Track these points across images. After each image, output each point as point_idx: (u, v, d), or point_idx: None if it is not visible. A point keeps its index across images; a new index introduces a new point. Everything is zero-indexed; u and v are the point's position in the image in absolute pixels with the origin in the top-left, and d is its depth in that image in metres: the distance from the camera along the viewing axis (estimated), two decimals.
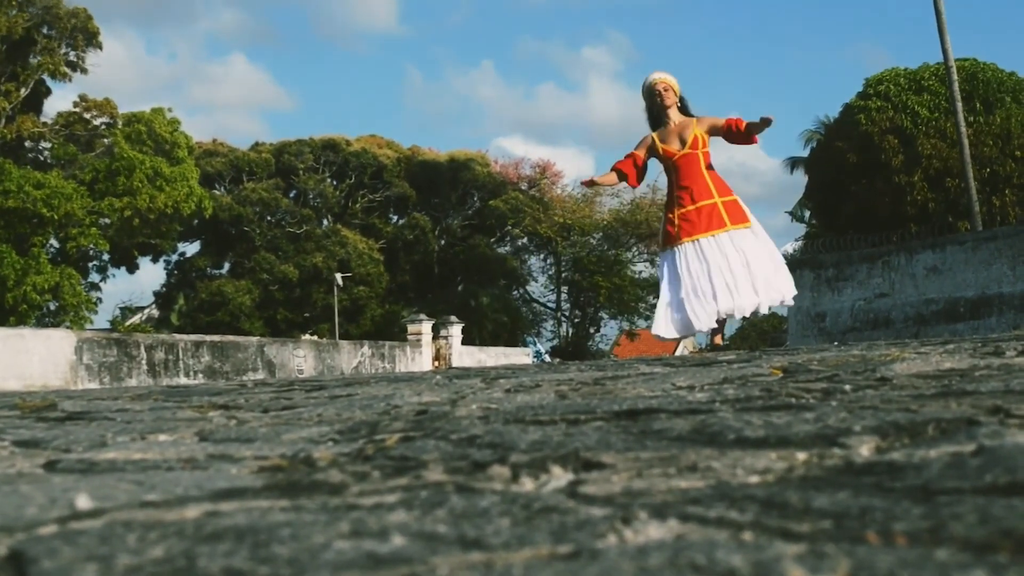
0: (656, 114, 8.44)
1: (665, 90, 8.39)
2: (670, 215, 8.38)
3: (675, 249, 8.25)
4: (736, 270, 8.05)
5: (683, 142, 8.28)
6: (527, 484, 1.55)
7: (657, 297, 8.62)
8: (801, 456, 1.65)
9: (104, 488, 1.59)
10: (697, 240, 8.14)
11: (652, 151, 8.42)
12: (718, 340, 8.33)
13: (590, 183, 8.71)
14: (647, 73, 8.56)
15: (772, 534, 1.13)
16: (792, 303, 8.40)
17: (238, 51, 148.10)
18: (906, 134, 28.68)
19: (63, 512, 1.39)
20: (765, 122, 8.25)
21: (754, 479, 1.49)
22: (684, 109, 8.45)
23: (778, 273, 8.21)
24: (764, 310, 8.27)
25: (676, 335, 8.33)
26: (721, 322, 8.26)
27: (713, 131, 8.40)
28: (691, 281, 8.12)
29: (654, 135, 8.39)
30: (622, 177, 8.56)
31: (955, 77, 24.68)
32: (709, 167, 8.34)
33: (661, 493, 1.41)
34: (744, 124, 8.32)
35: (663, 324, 8.29)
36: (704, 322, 8.12)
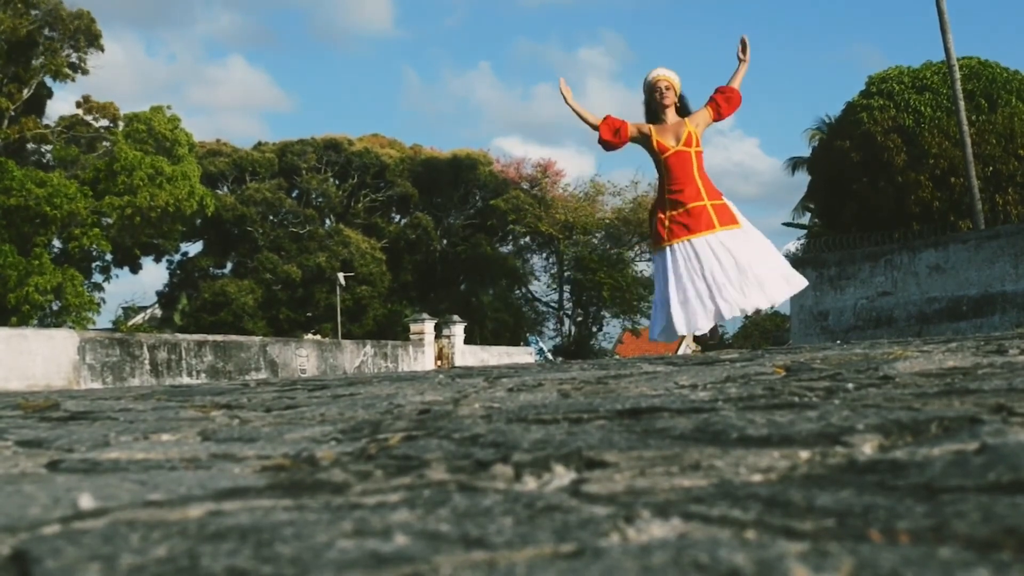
0: (654, 110, 8.45)
1: (667, 88, 8.40)
2: (661, 215, 8.37)
3: (667, 250, 8.26)
4: (728, 271, 8.06)
5: (677, 139, 8.29)
6: (530, 483, 1.55)
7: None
8: (804, 455, 1.65)
9: (107, 488, 1.59)
10: (688, 241, 8.15)
11: (645, 140, 8.40)
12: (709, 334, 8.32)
13: (566, 91, 8.56)
14: (646, 72, 8.56)
15: (775, 533, 1.13)
16: (799, 290, 8.36)
17: (237, 53, 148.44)
18: (909, 133, 28.67)
19: (66, 512, 1.39)
20: (743, 45, 8.48)
21: (757, 478, 1.49)
22: (683, 109, 8.45)
23: (774, 271, 8.20)
24: (764, 307, 8.26)
25: (676, 337, 8.33)
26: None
27: (706, 122, 8.43)
28: (686, 283, 8.12)
29: (652, 127, 8.38)
30: (598, 128, 8.46)
31: (957, 75, 24.69)
32: (701, 168, 8.35)
33: (664, 492, 1.41)
34: (726, 91, 8.39)
35: (662, 326, 8.30)
36: (704, 323, 8.12)
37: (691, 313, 8.10)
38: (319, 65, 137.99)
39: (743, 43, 8.52)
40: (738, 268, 8.06)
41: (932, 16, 27.23)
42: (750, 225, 8.41)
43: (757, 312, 8.59)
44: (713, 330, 8.34)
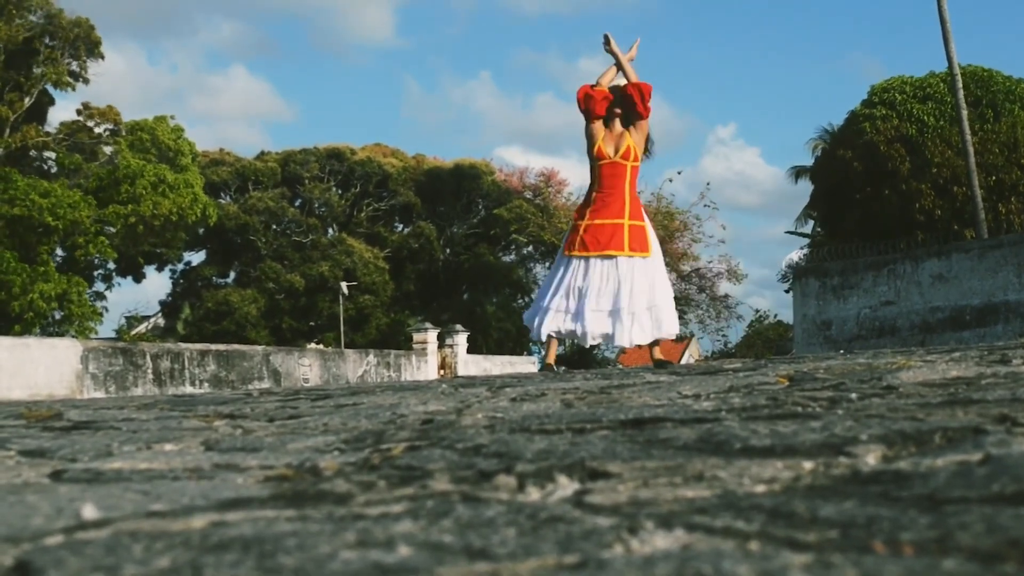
0: (605, 118, 8.47)
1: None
2: (578, 222, 8.42)
3: (572, 259, 8.31)
4: (605, 299, 8.15)
5: (616, 150, 8.34)
6: (533, 494, 1.55)
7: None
8: (807, 465, 1.65)
9: (110, 498, 1.59)
10: (590, 258, 8.21)
11: (591, 138, 8.46)
12: (658, 353, 8.35)
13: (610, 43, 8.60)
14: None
15: (779, 544, 1.13)
16: (670, 337, 8.42)
17: (238, 62, 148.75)
18: (912, 142, 28.69)
19: (69, 522, 1.39)
20: (606, 40, 8.53)
21: (760, 488, 1.49)
22: (626, 119, 8.46)
23: (653, 310, 8.23)
24: (625, 343, 8.28)
25: (546, 335, 8.35)
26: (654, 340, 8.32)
27: (643, 130, 8.46)
28: (564, 294, 8.24)
29: (604, 130, 8.42)
30: (591, 96, 8.50)
31: (960, 85, 24.69)
32: (633, 183, 8.40)
33: (667, 502, 1.41)
34: (634, 89, 8.40)
35: (538, 322, 8.38)
36: (572, 333, 8.26)
37: (566, 321, 8.22)
38: (320, 74, 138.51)
39: (606, 38, 8.54)
40: (627, 299, 8.13)
41: (932, 25, 27.24)
42: (658, 256, 8.47)
43: (614, 345, 8.72)
44: (655, 350, 8.39)
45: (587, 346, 8.37)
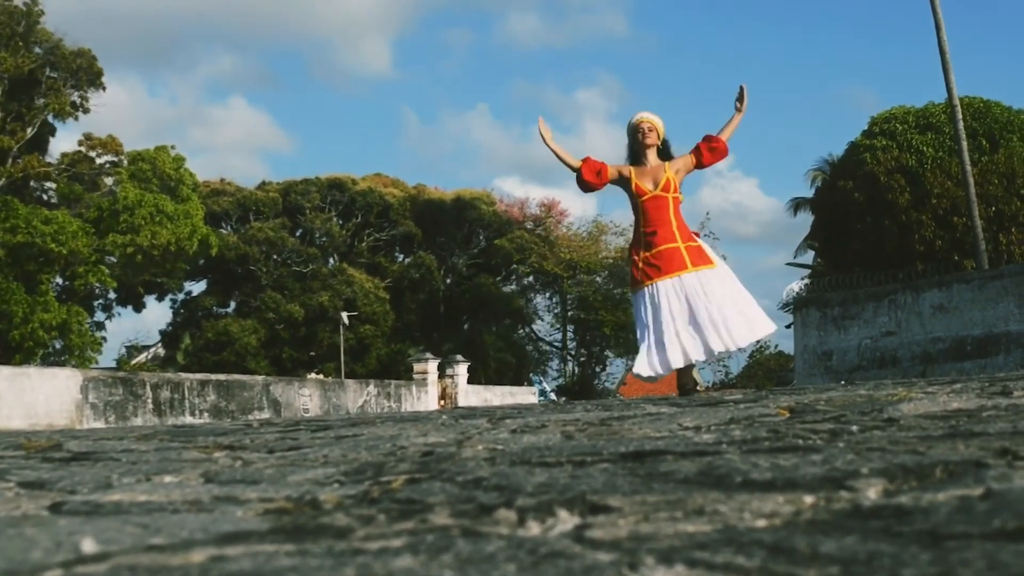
0: (635, 152, 8.47)
1: (649, 130, 8.43)
2: (635, 257, 8.41)
3: (643, 291, 8.30)
4: (697, 313, 8.12)
5: (655, 184, 8.33)
6: (533, 528, 1.55)
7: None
8: (808, 499, 1.64)
9: (109, 531, 1.59)
10: (660, 283, 8.20)
11: (624, 182, 8.43)
12: (696, 375, 8.34)
13: (545, 132, 8.55)
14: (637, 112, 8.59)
15: None
16: (766, 336, 8.39)
17: (238, 94, 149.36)
18: (912, 173, 28.75)
19: (68, 556, 1.38)
20: (741, 94, 8.43)
21: (761, 523, 1.48)
22: (665, 152, 8.47)
23: (741, 315, 8.22)
24: (723, 350, 8.26)
25: (656, 375, 8.31)
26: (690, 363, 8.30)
27: (687, 169, 8.47)
28: (659, 324, 8.18)
29: (633, 169, 8.42)
30: (579, 170, 8.47)
31: (960, 115, 24.76)
32: (677, 212, 8.40)
33: (668, 537, 1.40)
34: (713, 140, 8.38)
35: (644, 364, 8.32)
36: (675, 361, 8.17)
37: (663, 354, 8.15)
38: (319, 106, 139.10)
39: (741, 92, 8.52)
40: (706, 310, 8.10)
41: (930, 56, 27.35)
42: (724, 266, 8.45)
43: (719, 355, 8.62)
44: (687, 374, 8.35)
45: (690, 364, 8.26)
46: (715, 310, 8.10)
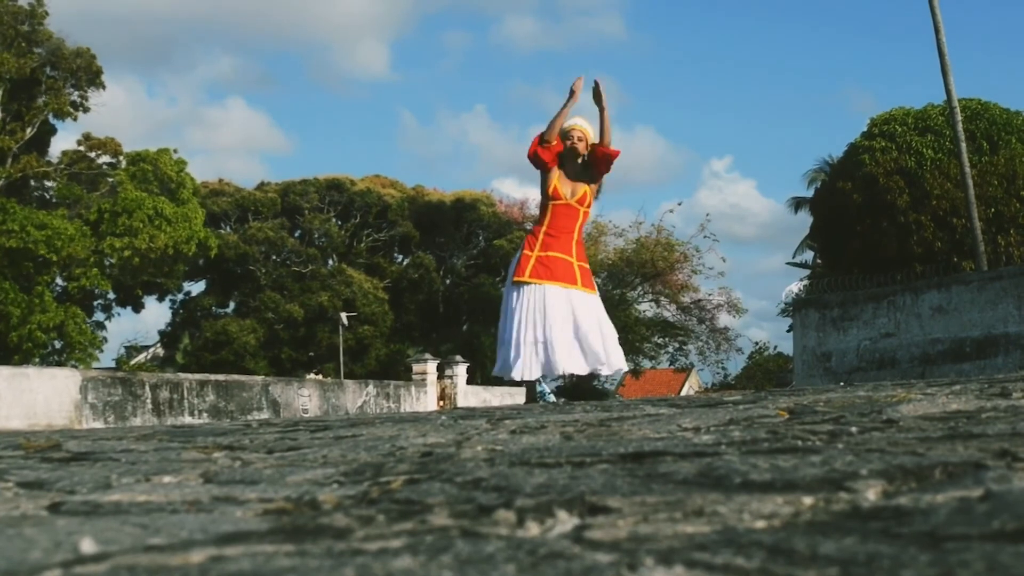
0: (562, 155, 8.44)
1: (579, 139, 8.41)
2: (528, 252, 8.38)
3: (530, 286, 8.28)
4: (566, 330, 8.20)
5: (572, 193, 8.37)
6: (533, 529, 1.55)
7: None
8: (808, 501, 1.64)
9: (109, 531, 1.59)
10: (551, 287, 8.22)
11: (547, 177, 8.42)
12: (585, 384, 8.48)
13: (601, 90, 8.38)
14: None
15: None
16: (619, 370, 8.56)
17: (237, 95, 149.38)
18: (911, 174, 28.74)
19: (67, 556, 1.38)
20: (597, 90, 8.35)
21: (760, 524, 1.48)
22: (590, 159, 8.46)
23: (602, 346, 8.28)
24: (582, 373, 8.32)
25: (510, 375, 8.25)
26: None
27: (599, 178, 8.51)
28: (528, 327, 8.19)
29: (560, 171, 8.41)
30: (550, 144, 8.40)
31: (959, 117, 24.75)
32: (581, 228, 8.53)
33: (667, 538, 1.40)
34: (599, 149, 8.36)
35: (503, 364, 8.30)
36: (533, 373, 8.20)
37: (527, 358, 8.16)
38: (318, 107, 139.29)
39: (596, 89, 8.36)
40: (577, 330, 8.17)
41: (929, 58, 27.35)
42: (598, 297, 8.58)
43: (571, 376, 8.76)
44: (586, 381, 8.47)
45: (555, 377, 8.39)
46: (596, 331, 8.19)
